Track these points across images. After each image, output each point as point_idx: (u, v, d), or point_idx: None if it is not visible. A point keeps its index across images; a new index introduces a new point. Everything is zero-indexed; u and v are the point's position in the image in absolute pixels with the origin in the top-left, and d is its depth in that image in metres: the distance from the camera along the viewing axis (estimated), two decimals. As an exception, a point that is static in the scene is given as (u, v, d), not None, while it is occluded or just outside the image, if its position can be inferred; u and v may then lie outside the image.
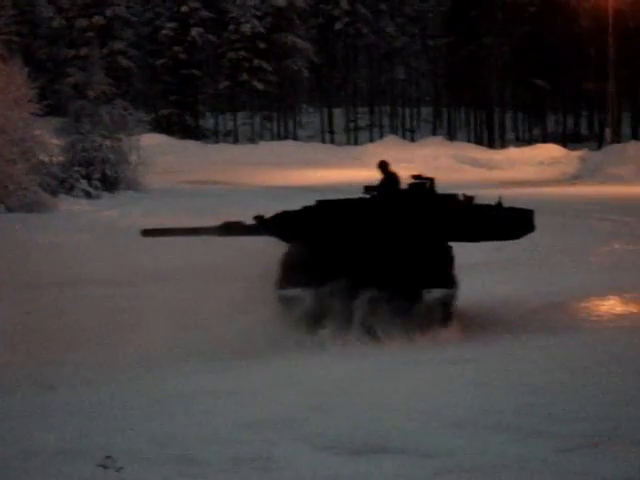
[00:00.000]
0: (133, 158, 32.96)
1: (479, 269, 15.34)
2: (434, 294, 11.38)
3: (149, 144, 35.73)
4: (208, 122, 62.40)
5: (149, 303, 12.24)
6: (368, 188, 12.22)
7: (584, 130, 57.34)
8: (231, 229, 12.54)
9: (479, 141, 53.24)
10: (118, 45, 57.65)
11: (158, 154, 36.44)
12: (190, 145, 49.50)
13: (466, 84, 53.82)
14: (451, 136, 56.01)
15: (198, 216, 22.82)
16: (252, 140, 56.33)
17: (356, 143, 56.64)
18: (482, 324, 11.89)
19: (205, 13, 59.48)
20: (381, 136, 53.69)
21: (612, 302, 13.33)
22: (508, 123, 58.19)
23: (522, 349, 10.63)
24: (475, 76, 53.12)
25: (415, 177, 12.17)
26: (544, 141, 47.21)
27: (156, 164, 33.58)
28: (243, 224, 12.44)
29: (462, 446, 7.13)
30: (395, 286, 11.27)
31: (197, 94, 60.26)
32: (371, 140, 53.09)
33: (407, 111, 64.08)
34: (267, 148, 48.40)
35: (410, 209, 11.83)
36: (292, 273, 11.45)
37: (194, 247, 13.65)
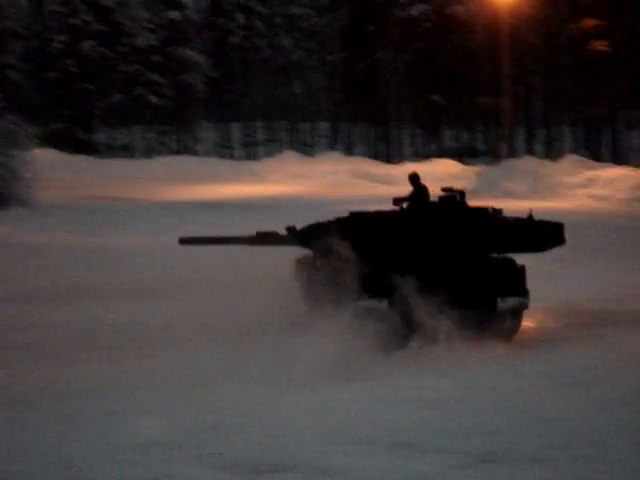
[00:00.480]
0: (25, 174, 31.95)
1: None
2: (508, 302, 11.68)
3: (41, 159, 34.72)
4: (102, 137, 61.21)
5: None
6: (397, 200, 12.60)
7: (480, 145, 58.04)
8: (264, 239, 13.02)
9: (376, 156, 53.32)
10: (7, 58, 56.17)
11: (51, 169, 35.59)
12: (83, 160, 48.32)
13: (363, 99, 53.96)
14: (349, 151, 56.02)
15: (95, 232, 22.23)
16: (148, 155, 55.39)
17: (254, 158, 56.19)
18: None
19: (97, 26, 58.39)
20: (280, 151, 53.33)
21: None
22: (405, 138, 58.60)
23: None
24: (372, 91, 53.30)
25: (445, 190, 12.45)
26: (441, 156, 47.46)
27: (49, 180, 32.69)
28: (276, 234, 12.93)
29: (360, 463, 7.18)
30: (470, 295, 11.62)
31: (90, 108, 59.04)
32: (269, 155, 52.68)
33: (305, 126, 63.98)
34: (163, 163, 47.56)
35: (452, 221, 12.10)
36: (369, 284, 11.60)
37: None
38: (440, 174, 41.58)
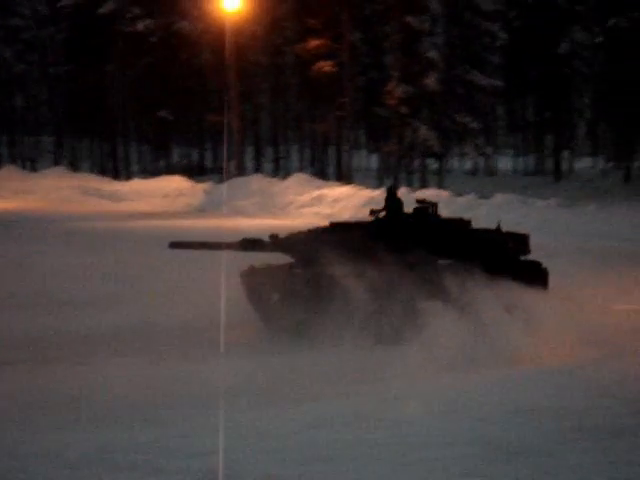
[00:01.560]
0: None
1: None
2: None
3: None
4: None
5: None
6: (373, 211, 13.55)
7: (209, 162, 57.97)
8: (249, 246, 13.88)
9: (104, 172, 52.06)
10: None
11: None
12: None
13: (89, 114, 52.57)
14: (74, 167, 54.41)
15: None
16: None
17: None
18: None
19: None
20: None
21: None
22: (133, 154, 57.62)
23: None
24: (98, 106, 52.00)
25: (419, 202, 13.58)
26: (170, 173, 46.92)
27: None
28: (261, 241, 13.83)
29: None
30: None
31: None
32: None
33: (27, 140, 61.53)
34: None
35: (426, 230, 13.20)
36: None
37: None
38: (168, 191, 41.12)
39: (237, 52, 43.59)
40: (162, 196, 40.25)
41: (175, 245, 14.43)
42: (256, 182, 39.29)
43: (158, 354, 12.03)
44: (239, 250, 13.86)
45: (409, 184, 41.56)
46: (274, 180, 40.89)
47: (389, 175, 46.93)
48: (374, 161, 56.74)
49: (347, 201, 35.01)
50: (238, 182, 39.72)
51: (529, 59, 50.96)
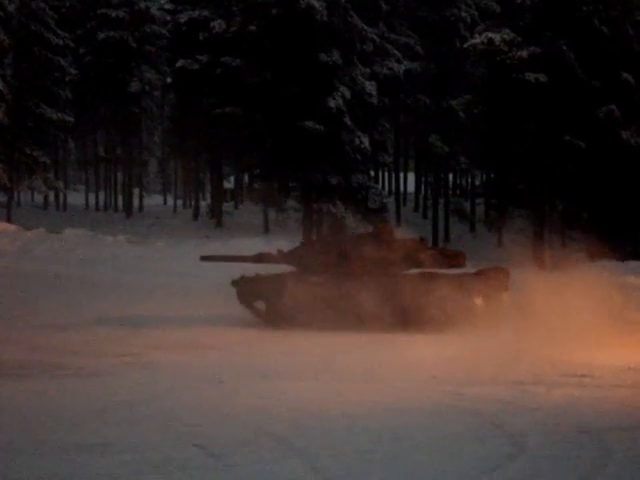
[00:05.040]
0: None
1: None
2: None
3: None
4: None
5: None
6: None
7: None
8: (263, 258, 18.38)
9: None
10: None
11: None
12: None
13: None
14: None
15: None
16: None
17: None
18: None
19: None
20: None
21: None
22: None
23: None
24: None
25: (376, 225, 19.73)
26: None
27: None
28: (271, 254, 18.31)
29: None
30: None
31: None
32: None
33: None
34: None
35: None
36: None
37: None
38: None
39: None
40: None
41: (205, 258, 19.39)
42: None
43: None
44: (255, 262, 18.25)
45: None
46: None
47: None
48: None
49: None
50: None
51: (100, 95, 51.16)
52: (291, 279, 17.66)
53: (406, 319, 16.96)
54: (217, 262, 19.56)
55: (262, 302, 17.94)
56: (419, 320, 16.98)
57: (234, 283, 18.06)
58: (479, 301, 17.28)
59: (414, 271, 17.60)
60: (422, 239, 18.27)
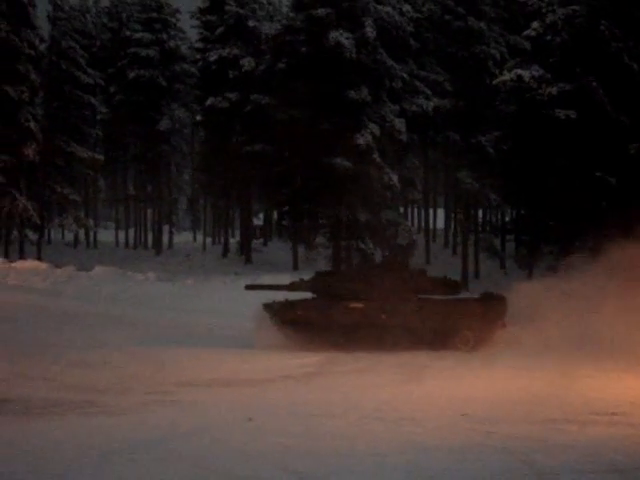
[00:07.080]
0: None
1: None
2: None
3: None
4: None
5: None
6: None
7: None
8: (292, 287, 20.57)
9: None
10: None
11: None
12: None
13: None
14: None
15: None
16: None
17: None
18: None
19: None
20: None
21: None
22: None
23: None
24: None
25: (387, 256, 21.91)
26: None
27: None
28: (298, 283, 20.72)
29: None
30: None
31: None
32: None
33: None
34: None
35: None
36: None
37: None
38: None
39: None
40: None
41: (249, 287, 21.49)
42: None
43: None
44: (288, 290, 20.33)
45: (6, 255, 40.16)
46: None
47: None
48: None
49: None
50: None
51: (130, 133, 51.55)
52: (326, 304, 19.79)
53: (439, 339, 19.55)
54: (259, 290, 21.25)
55: (294, 325, 19.69)
56: (451, 341, 19.59)
57: (266, 307, 19.97)
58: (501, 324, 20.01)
59: (440, 297, 20.27)
60: (423, 271, 21.20)
